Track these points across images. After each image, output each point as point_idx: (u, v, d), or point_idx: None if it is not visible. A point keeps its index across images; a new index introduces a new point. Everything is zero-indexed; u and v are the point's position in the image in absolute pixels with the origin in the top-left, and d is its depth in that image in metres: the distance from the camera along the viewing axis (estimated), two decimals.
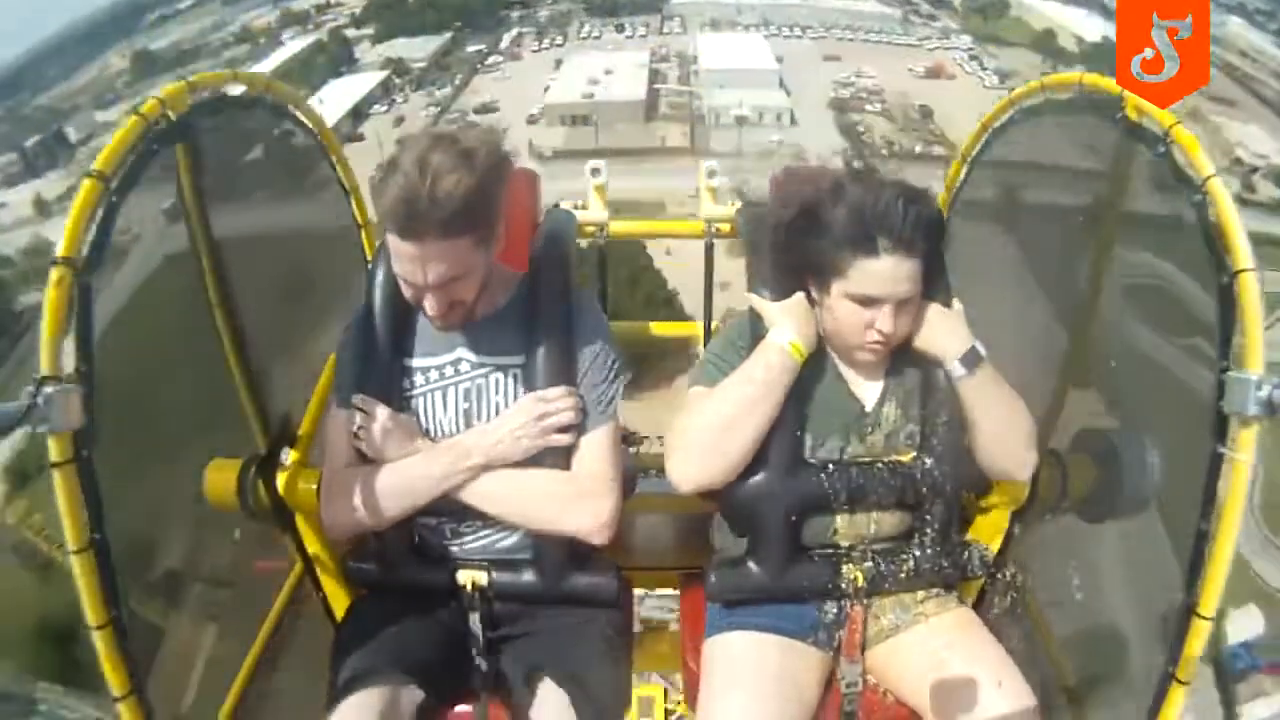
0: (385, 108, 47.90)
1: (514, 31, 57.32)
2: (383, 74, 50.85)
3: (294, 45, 54.94)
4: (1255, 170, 33.73)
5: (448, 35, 55.54)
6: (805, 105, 47.63)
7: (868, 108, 48.32)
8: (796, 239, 1.37)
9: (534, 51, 55.26)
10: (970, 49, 52.96)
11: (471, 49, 55.38)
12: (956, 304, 1.41)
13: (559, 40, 55.92)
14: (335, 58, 53.26)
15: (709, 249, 2.66)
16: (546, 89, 48.95)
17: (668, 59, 52.88)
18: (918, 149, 43.52)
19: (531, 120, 45.78)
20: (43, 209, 38.15)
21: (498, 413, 1.42)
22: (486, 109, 47.03)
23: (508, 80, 51.94)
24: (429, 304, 1.32)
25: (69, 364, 1.06)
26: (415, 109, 47.74)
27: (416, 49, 53.86)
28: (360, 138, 42.31)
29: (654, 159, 42.01)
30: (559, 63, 52.44)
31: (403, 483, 1.37)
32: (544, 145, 42.23)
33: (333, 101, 44.33)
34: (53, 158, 43.60)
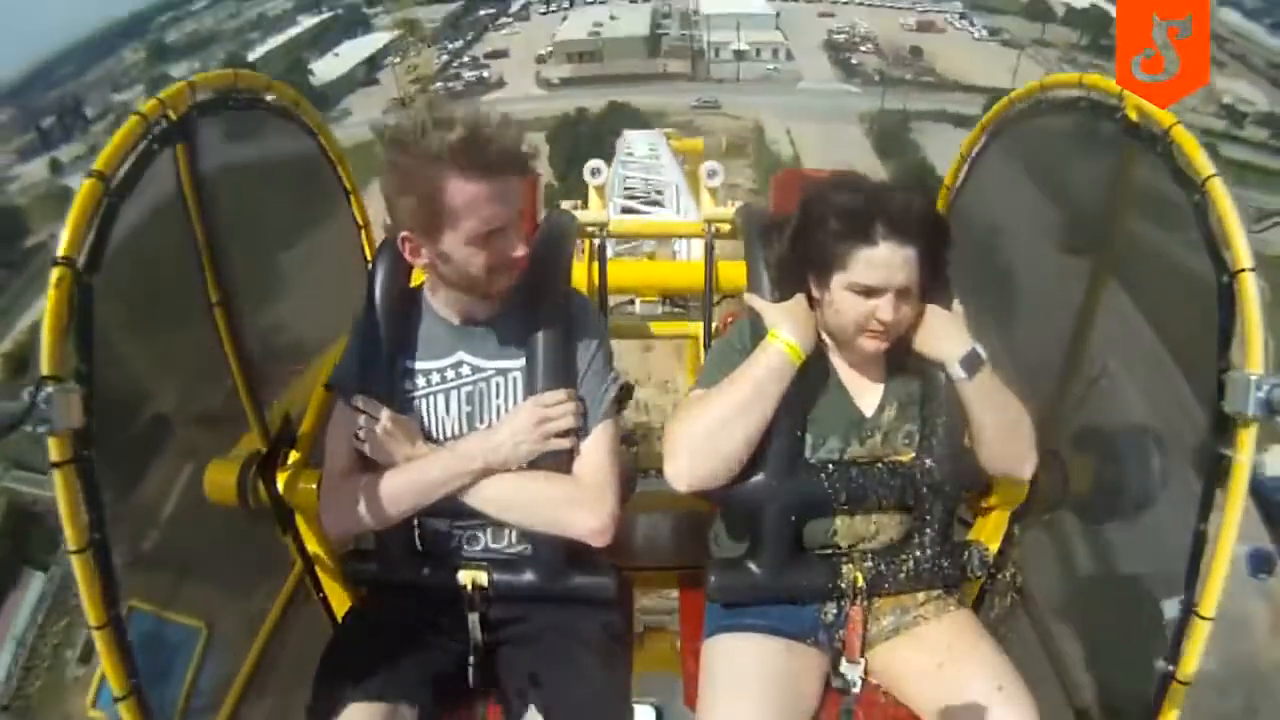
0: (398, 58, 49.80)
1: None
2: (398, 33, 53.15)
3: (308, 22, 56.79)
4: (1245, 116, 40.61)
5: (460, 3, 58.63)
6: (801, 47, 50.46)
7: (861, 49, 51.03)
8: (796, 236, 1.38)
9: (542, 14, 58.56)
10: (960, 12, 55.71)
11: (483, 13, 58.98)
12: (957, 306, 1.41)
13: (565, 4, 58.41)
14: (350, 25, 55.72)
15: (709, 249, 2.66)
16: (554, 35, 51.90)
17: (669, 16, 55.75)
18: (907, 77, 46.40)
19: (540, 60, 49.31)
20: (57, 168, 38.86)
21: (500, 416, 1.42)
22: (496, 54, 50.85)
23: (516, 34, 55.08)
24: (515, 249, 1.31)
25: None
26: (427, 59, 50.62)
27: (431, 13, 57.01)
28: (375, 82, 46.26)
29: (657, 84, 44.93)
30: (565, 17, 55.37)
31: (403, 487, 1.37)
32: (552, 76, 46.57)
33: (348, 55, 47.43)
34: (68, 132, 43.69)
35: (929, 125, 40.13)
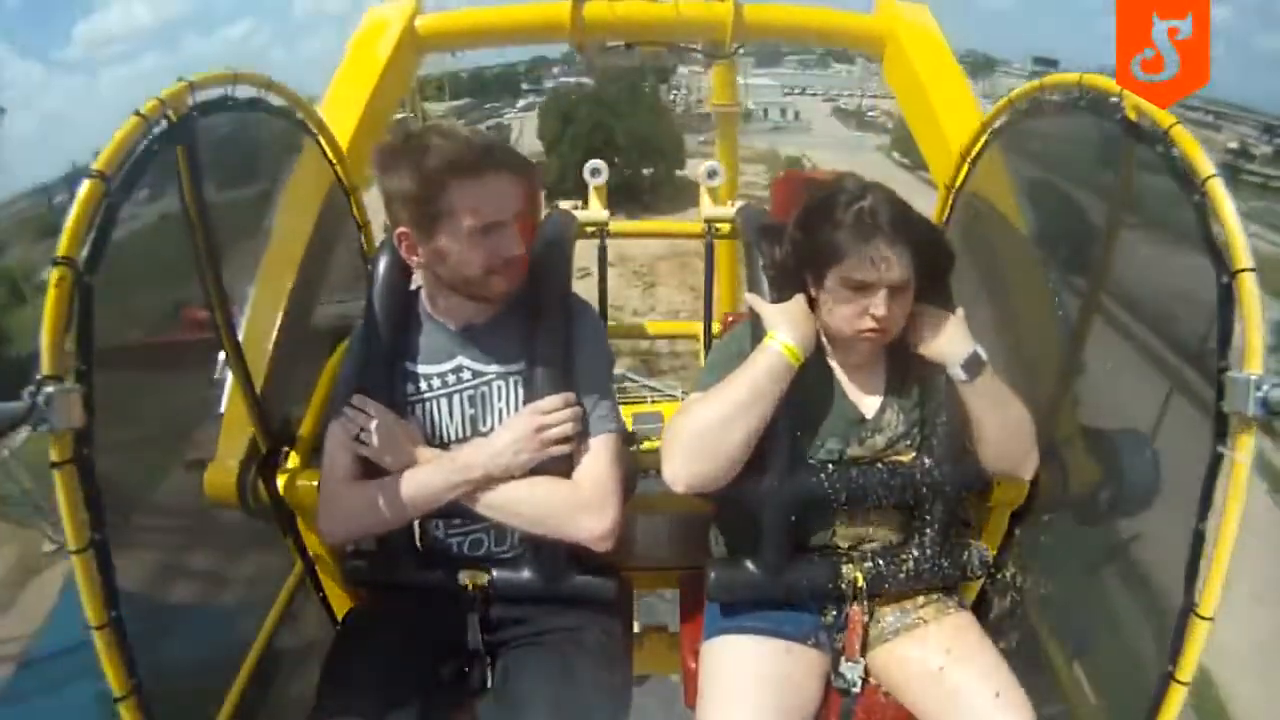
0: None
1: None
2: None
3: None
4: (1254, 157, 40.79)
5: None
6: (809, 111, 53.06)
7: (869, 114, 52.53)
8: (794, 235, 1.38)
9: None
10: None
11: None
12: (957, 308, 1.41)
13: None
14: None
15: (709, 249, 2.67)
16: None
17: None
18: None
19: None
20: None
21: (503, 419, 1.42)
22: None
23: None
24: (513, 248, 1.32)
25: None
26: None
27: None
28: None
29: None
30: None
31: (402, 495, 1.37)
32: None
33: None
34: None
35: None
